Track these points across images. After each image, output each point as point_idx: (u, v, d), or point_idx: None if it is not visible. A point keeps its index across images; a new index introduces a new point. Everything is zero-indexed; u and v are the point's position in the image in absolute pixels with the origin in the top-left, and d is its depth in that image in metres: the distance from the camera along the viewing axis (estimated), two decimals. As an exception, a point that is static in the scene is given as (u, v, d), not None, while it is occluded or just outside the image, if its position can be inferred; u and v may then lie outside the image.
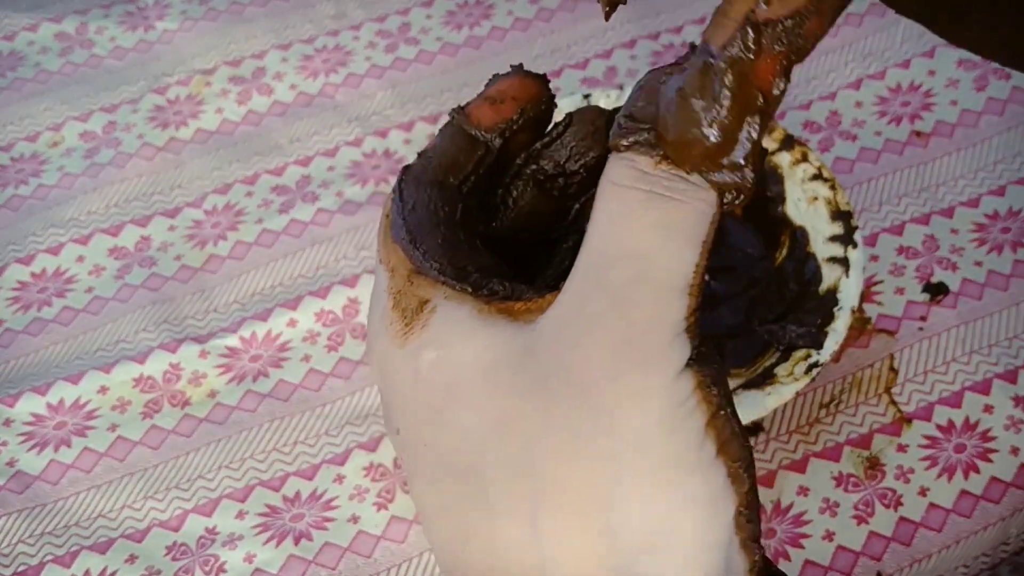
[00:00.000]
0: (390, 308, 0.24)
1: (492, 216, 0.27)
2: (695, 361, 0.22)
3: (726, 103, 0.22)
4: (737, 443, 0.22)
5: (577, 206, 0.27)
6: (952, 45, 0.33)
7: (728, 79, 0.22)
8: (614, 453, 0.21)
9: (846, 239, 0.46)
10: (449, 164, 0.26)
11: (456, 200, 0.26)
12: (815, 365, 0.42)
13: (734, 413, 0.22)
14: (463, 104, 0.27)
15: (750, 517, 0.22)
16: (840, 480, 0.45)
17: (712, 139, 0.22)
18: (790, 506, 0.45)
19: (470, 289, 0.23)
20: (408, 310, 0.24)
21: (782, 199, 0.48)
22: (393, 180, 0.57)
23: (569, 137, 0.26)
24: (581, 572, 0.21)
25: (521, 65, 0.28)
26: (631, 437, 0.21)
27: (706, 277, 0.23)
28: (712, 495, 0.21)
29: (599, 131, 0.26)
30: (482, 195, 0.27)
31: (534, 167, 0.27)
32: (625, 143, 0.23)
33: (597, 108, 0.27)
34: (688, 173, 0.22)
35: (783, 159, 0.48)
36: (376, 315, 0.25)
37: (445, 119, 0.60)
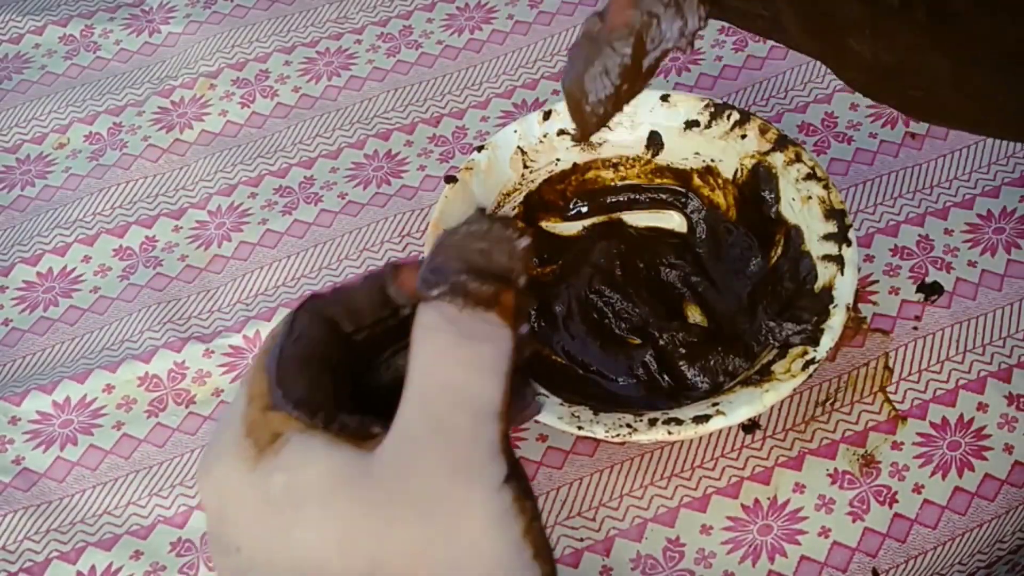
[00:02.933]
0: (242, 435, 0.26)
1: (373, 367, 0.29)
2: (512, 477, 0.25)
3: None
4: (547, 550, 0.25)
5: None
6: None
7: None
8: (452, 557, 0.24)
9: (840, 237, 0.46)
10: (352, 311, 0.28)
11: (339, 347, 0.28)
12: (812, 362, 0.43)
13: (542, 526, 0.25)
14: (399, 262, 0.29)
15: None
16: (836, 477, 0.46)
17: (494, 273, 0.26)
18: (786, 503, 0.45)
19: (321, 424, 0.26)
20: (261, 440, 0.26)
21: (776, 198, 0.49)
22: (395, 182, 0.58)
23: None
24: None
25: None
26: (466, 542, 0.24)
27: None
28: None
29: None
30: (370, 348, 0.28)
31: None
32: (433, 293, 0.26)
33: None
34: (487, 311, 0.26)
35: (777, 159, 0.49)
36: (224, 437, 0.26)
37: (446, 121, 0.61)
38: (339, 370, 0.28)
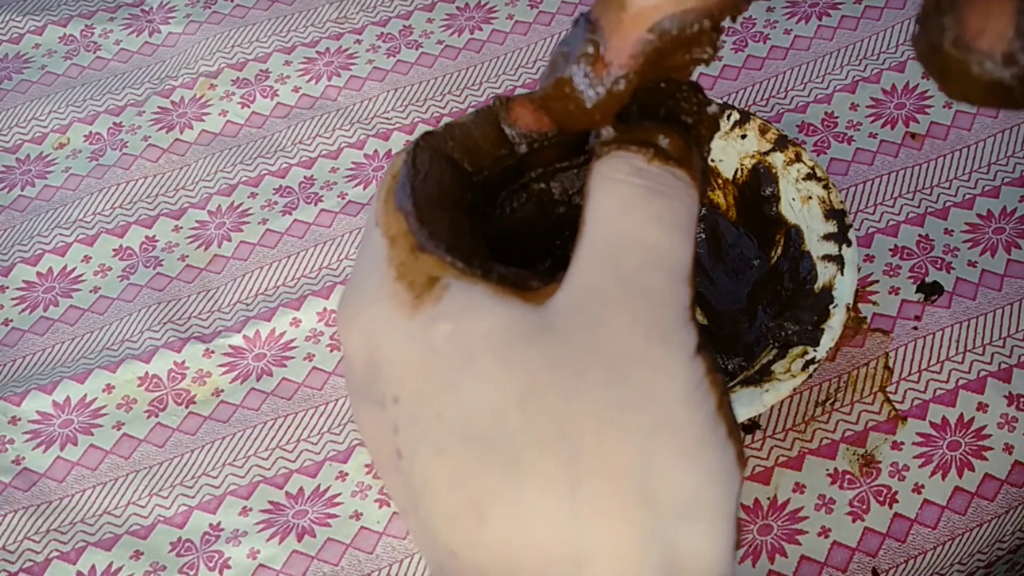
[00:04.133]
0: (393, 278, 0.24)
1: (486, 212, 0.27)
2: (702, 347, 0.23)
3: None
4: (738, 430, 0.23)
5: (567, 234, 0.27)
6: None
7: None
8: (648, 425, 0.22)
9: (840, 237, 0.46)
10: (470, 149, 0.26)
11: (467, 187, 0.26)
12: (812, 362, 0.43)
13: (731, 402, 0.24)
14: (509, 96, 0.26)
15: (740, 498, 0.24)
16: (836, 477, 0.46)
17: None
18: (786, 502, 0.45)
19: (479, 272, 0.23)
20: (417, 284, 0.23)
21: (776, 198, 0.49)
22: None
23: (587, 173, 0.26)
24: (619, 536, 0.22)
25: None
26: (662, 411, 0.22)
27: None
28: (727, 472, 0.23)
29: None
30: (486, 191, 0.26)
31: (543, 185, 0.27)
32: (617, 142, 0.24)
33: None
34: (678, 167, 0.24)
35: (777, 159, 0.49)
36: (370, 280, 0.24)
37: (446, 121, 0.60)
38: (471, 214, 0.25)
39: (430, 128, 0.27)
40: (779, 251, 0.49)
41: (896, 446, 0.46)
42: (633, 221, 0.23)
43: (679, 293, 0.23)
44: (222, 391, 0.52)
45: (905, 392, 0.48)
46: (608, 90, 0.24)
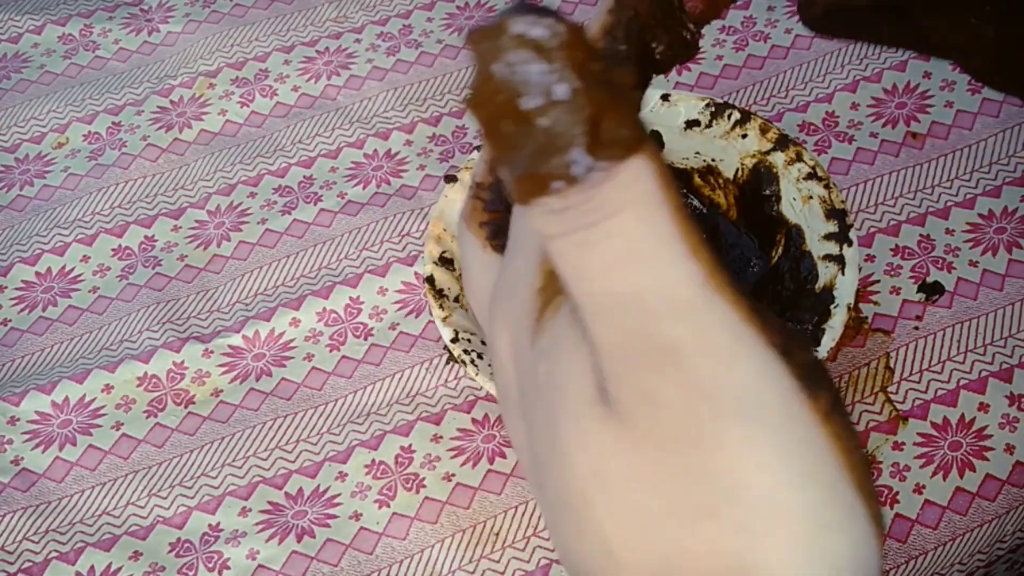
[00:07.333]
0: (538, 288, 0.20)
1: None
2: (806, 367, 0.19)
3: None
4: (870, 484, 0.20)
5: None
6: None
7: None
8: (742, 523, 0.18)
9: (841, 237, 0.46)
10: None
11: None
12: (812, 363, 0.43)
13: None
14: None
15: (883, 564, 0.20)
16: (837, 477, 0.46)
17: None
18: (787, 503, 0.45)
19: None
20: (548, 301, 0.20)
21: (777, 198, 0.49)
22: (395, 182, 0.58)
23: None
24: None
25: None
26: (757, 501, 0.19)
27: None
28: (861, 547, 0.19)
29: None
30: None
31: None
32: (521, 189, 0.18)
33: None
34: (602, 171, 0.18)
35: (778, 159, 0.49)
36: (522, 282, 0.21)
37: (446, 121, 0.60)
38: None
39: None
40: (780, 251, 0.48)
41: (897, 446, 0.46)
42: (594, 284, 0.18)
43: (717, 307, 0.20)
44: (221, 391, 0.51)
45: (906, 392, 0.47)
46: None
